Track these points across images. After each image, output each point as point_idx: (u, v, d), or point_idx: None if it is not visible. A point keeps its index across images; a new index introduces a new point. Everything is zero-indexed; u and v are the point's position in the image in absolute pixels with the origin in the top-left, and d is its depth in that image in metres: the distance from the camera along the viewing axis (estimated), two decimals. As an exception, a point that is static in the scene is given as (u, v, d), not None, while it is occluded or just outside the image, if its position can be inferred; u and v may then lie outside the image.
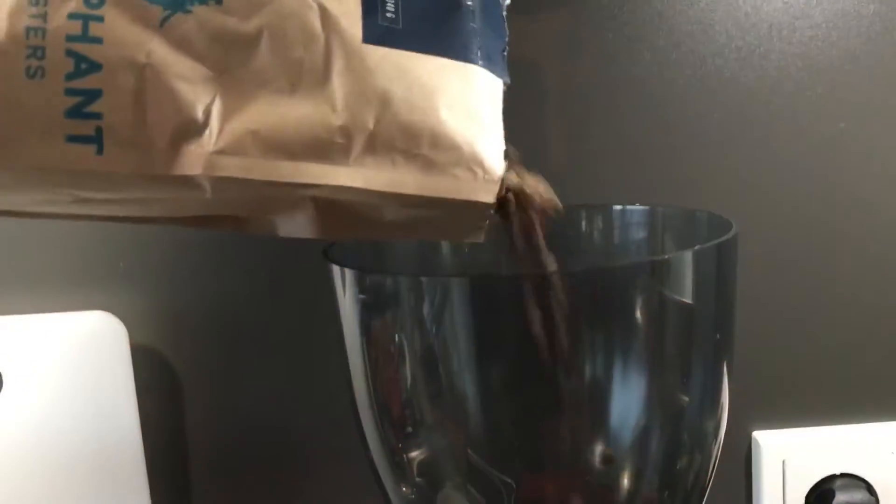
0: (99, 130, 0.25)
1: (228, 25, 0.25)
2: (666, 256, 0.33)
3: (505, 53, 0.29)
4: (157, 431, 0.52)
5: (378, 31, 0.26)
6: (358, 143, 0.26)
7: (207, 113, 0.25)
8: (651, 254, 0.40)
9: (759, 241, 0.51)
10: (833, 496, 0.51)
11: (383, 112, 0.26)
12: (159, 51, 0.25)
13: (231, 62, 0.26)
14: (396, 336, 0.33)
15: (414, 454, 0.35)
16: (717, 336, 0.33)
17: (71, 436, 0.49)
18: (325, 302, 0.35)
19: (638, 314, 0.31)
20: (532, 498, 0.33)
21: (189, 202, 0.27)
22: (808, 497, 0.53)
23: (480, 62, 0.28)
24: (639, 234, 0.40)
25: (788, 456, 0.53)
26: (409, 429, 0.35)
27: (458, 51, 0.27)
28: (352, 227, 0.28)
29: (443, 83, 0.27)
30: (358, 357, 0.35)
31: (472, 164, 0.27)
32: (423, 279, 0.31)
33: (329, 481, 0.54)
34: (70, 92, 0.24)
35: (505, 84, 0.29)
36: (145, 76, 0.25)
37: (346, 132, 0.26)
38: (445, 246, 0.38)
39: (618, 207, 0.40)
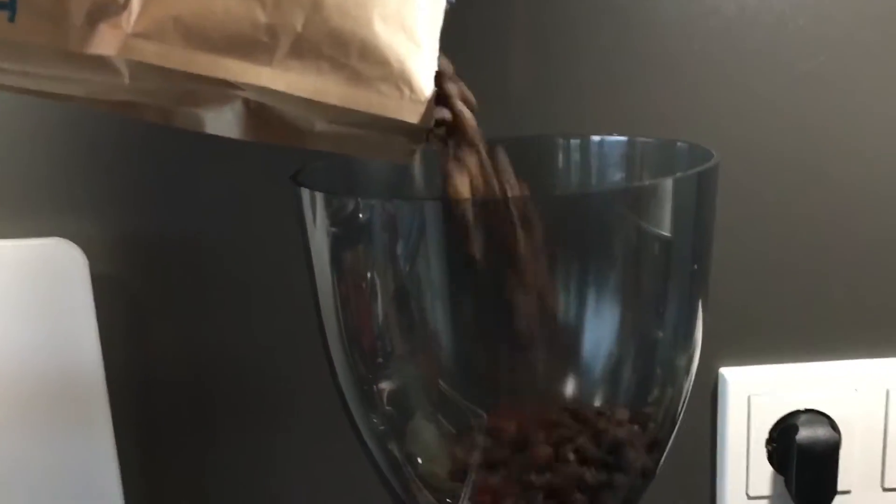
0: None
1: None
2: (646, 183, 0.32)
3: None
4: (121, 362, 0.51)
5: None
6: (284, 45, 0.25)
7: None
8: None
9: (731, 175, 0.50)
10: (796, 431, 0.52)
11: (314, 15, 0.25)
12: None
13: None
14: (367, 262, 0.32)
15: (384, 384, 0.34)
16: (695, 267, 0.33)
17: (30, 367, 0.48)
18: (293, 228, 0.34)
19: (615, 242, 0.31)
20: (502, 428, 0.33)
21: (108, 86, 0.26)
22: (772, 432, 0.54)
23: None
24: (617, 165, 0.39)
25: (754, 392, 0.53)
26: (380, 359, 0.34)
27: None
28: (280, 133, 0.28)
29: None
30: (327, 284, 0.34)
31: (399, 81, 0.26)
32: (396, 202, 0.30)
33: (298, 410, 0.54)
34: None
35: (449, 4, 0.27)
36: None
37: (273, 31, 0.25)
38: (419, 171, 0.37)
39: (596, 138, 0.39)
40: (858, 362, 0.54)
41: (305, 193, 0.32)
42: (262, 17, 0.25)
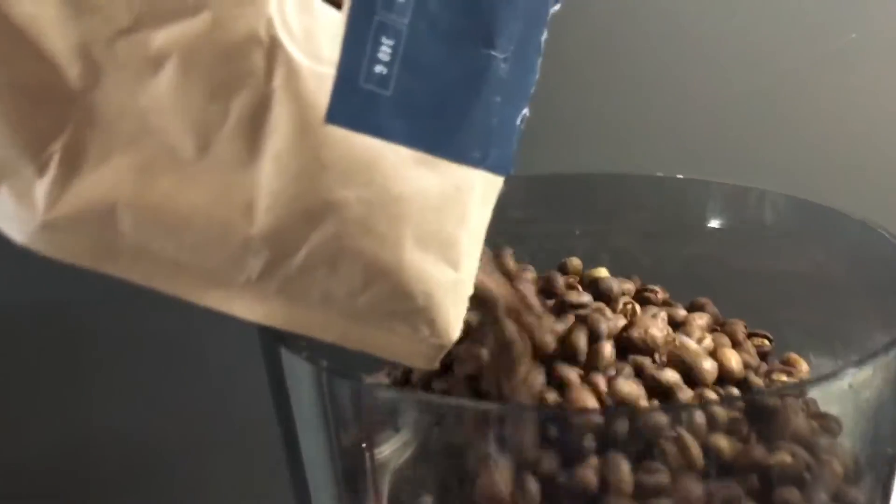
0: None
1: (114, 26, 0.17)
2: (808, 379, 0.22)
3: (524, 118, 0.21)
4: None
5: (354, 102, 0.18)
6: (274, 269, 0.18)
7: (48, 156, 0.17)
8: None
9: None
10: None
11: (325, 229, 0.18)
12: None
13: (109, 83, 0.17)
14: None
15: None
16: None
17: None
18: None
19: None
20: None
21: None
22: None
23: (487, 160, 0.20)
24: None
25: None
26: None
27: (460, 146, 0.19)
28: None
29: (421, 197, 0.19)
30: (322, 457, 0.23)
31: (419, 321, 0.20)
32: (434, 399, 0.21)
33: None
34: None
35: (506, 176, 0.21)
36: None
37: (260, 249, 0.18)
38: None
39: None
40: None
41: (292, 361, 0.21)
42: (248, 226, 0.17)
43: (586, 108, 0.40)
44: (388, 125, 0.18)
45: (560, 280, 0.29)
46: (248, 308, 0.19)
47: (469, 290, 0.21)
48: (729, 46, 0.40)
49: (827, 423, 0.25)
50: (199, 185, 0.17)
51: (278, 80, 0.17)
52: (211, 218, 0.17)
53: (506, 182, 0.23)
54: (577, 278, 0.31)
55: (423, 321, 0.20)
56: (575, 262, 0.31)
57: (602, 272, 0.31)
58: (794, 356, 0.28)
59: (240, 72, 0.17)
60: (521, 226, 0.34)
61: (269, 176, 0.17)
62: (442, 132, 0.19)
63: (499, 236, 0.24)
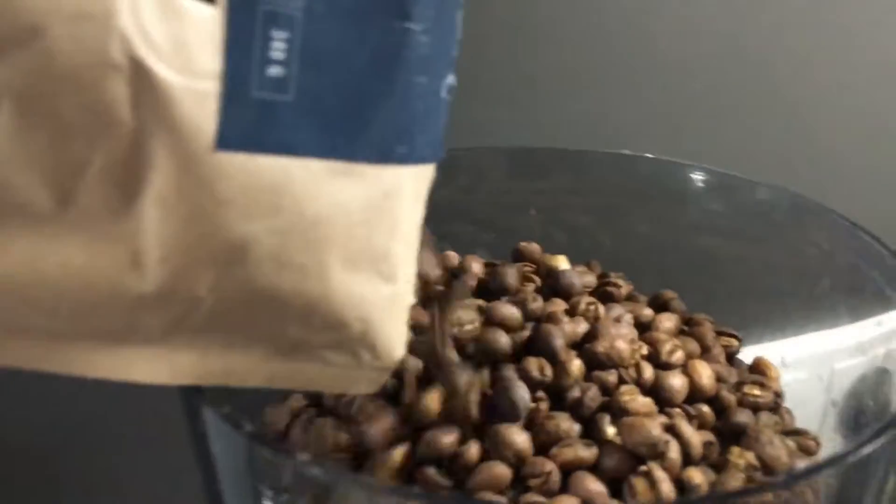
0: None
1: None
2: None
3: (450, 88, 0.18)
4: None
5: (248, 117, 0.15)
6: (179, 325, 0.16)
7: None
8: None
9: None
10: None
11: (233, 272, 0.15)
12: None
13: None
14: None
15: None
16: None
17: None
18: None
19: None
20: None
21: None
22: None
23: (415, 153, 0.17)
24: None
25: None
26: None
27: (382, 146, 0.17)
28: None
29: (343, 213, 0.16)
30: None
31: (358, 346, 0.18)
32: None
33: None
34: None
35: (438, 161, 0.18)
36: None
37: (158, 306, 0.15)
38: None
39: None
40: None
41: (211, 418, 0.18)
42: (137, 282, 0.15)
43: (552, 76, 0.37)
44: (292, 138, 0.15)
45: (513, 277, 0.26)
46: (152, 370, 0.16)
47: (409, 300, 0.18)
48: (718, 16, 0.36)
49: (804, 442, 0.23)
50: (66, 243, 0.14)
51: (147, 109, 0.14)
52: (89, 279, 0.14)
53: (454, 155, 0.20)
54: (534, 267, 0.28)
55: (363, 347, 0.18)
56: (532, 247, 0.29)
57: (561, 261, 0.28)
58: (764, 361, 0.26)
59: (95, 105, 0.14)
60: (472, 203, 0.31)
61: (154, 222, 0.14)
62: (358, 134, 0.16)
63: (446, 215, 0.22)
